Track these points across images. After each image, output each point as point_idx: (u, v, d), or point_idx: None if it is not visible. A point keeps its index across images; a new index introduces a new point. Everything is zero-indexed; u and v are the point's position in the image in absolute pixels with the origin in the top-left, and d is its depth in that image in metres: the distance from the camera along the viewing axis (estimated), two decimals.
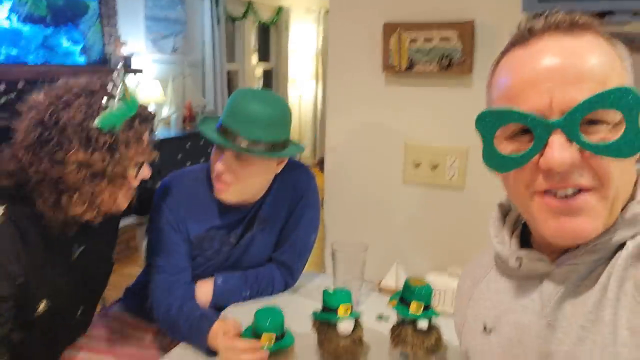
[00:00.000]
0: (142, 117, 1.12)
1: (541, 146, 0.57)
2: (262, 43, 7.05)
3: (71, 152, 1.01)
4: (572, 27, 0.59)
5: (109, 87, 1.06)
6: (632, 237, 0.57)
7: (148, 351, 1.39)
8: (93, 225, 1.18)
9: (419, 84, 1.51)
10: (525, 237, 0.72)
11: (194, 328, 1.20)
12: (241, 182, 1.29)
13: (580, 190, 0.57)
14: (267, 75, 7.24)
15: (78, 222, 1.13)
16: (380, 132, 1.59)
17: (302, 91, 7.36)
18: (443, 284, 1.40)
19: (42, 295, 1.13)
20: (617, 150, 0.55)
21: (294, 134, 7.84)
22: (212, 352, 1.18)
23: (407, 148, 1.56)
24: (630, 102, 0.54)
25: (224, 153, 1.27)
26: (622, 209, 0.60)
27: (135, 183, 1.16)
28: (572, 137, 0.56)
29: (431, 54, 1.44)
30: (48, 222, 1.08)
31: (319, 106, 7.39)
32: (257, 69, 6.91)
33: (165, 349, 1.34)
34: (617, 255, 0.58)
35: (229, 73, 5.98)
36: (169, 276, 1.30)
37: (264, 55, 7.13)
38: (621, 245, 0.58)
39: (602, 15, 1.13)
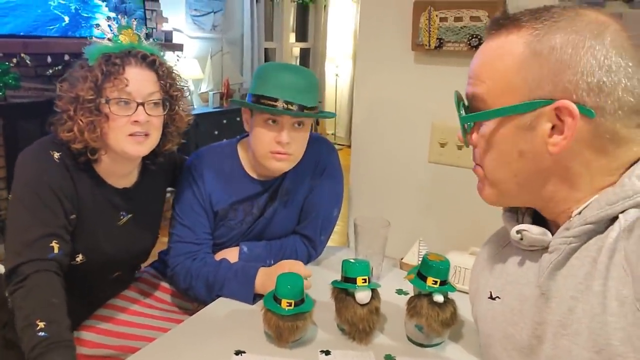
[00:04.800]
0: (127, 54, 1.15)
1: None
2: (300, 22, 7.04)
3: (64, 82, 1.17)
4: (498, 28, 0.66)
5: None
6: (623, 211, 0.58)
7: (175, 314, 1.45)
8: (139, 193, 1.28)
9: (448, 64, 1.51)
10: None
11: (240, 274, 1.29)
12: (300, 148, 1.35)
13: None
14: (304, 54, 7.24)
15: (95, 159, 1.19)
16: (407, 111, 1.60)
17: (339, 71, 7.34)
18: (463, 263, 1.42)
19: (81, 249, 1.22)
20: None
21: None
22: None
23: (434, 127, 1.57)
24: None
25: (280, 125, 1.29)
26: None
27: (119, 120, 1.14)
28: None
29: (461, 34, 1.43)
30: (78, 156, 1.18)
31: None
32: (294, 48, 6.92)
33: (192, 312, 1.40)
34: (609, 228, 0.59)
35: (266, 51, 6.02)
36: (193, 245, 1.36)
37: (301, 35, 7.12)
38: (613, 219, 0.59)
39: None
